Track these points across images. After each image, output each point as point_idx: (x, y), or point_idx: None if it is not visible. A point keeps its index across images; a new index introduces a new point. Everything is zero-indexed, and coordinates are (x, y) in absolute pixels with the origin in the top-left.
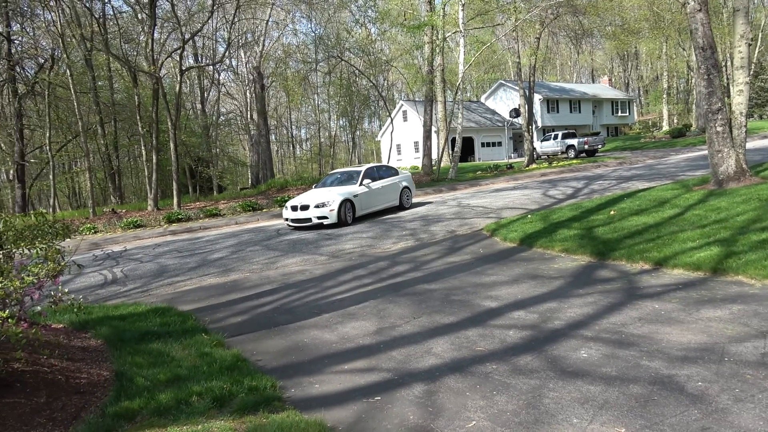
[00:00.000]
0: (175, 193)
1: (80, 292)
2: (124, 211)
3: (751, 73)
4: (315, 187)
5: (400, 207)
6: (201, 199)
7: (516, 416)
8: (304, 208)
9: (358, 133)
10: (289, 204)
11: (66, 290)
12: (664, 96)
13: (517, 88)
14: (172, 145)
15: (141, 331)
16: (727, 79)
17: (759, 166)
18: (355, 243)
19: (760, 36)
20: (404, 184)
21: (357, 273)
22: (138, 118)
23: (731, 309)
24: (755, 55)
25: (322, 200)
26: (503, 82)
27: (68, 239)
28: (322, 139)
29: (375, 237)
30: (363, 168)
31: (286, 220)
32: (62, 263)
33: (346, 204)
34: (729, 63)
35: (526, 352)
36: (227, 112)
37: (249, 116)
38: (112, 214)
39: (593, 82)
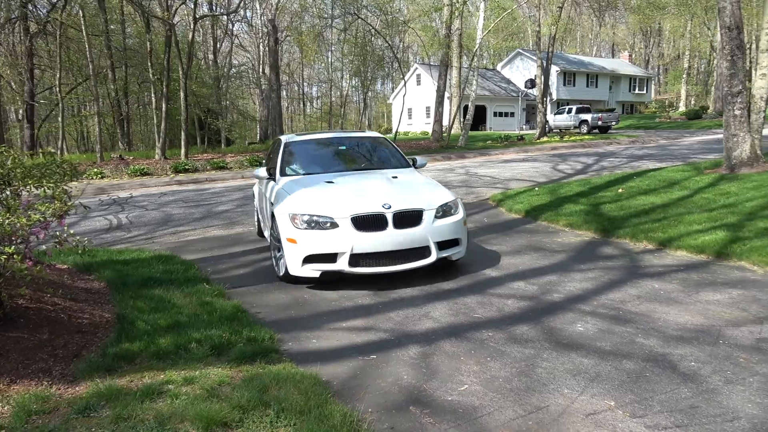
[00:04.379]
0: (183, 143)
1: (85, 235)
2: (131, 158)
3: None
4: (275, 173)
5: None
6: (209, 151)
7: (508, 383)
8: (403, 219)
9: (370, 94)
10: (308, 212)
11: (71, 231)
12: (684, 76)
13: (534, 58)
14: (182, 95)
15: (144, 277)
16: (751, 62)
17: None
18: None
19: None
20: None
21: None
22: (149, 64)
23: (731, 293)
24: None
25: (441, 200)
26: (521, 51)
27: (75, 182)
28: (333, 98)
29: None
30: (372, 134)
31: (306, 261)
32: (69, 203)
33: None
34: (754, 46)
35: (523, 321)
36: (239, 64)
37: (261, 70)
38: (119, 160)
39: (613, 56)
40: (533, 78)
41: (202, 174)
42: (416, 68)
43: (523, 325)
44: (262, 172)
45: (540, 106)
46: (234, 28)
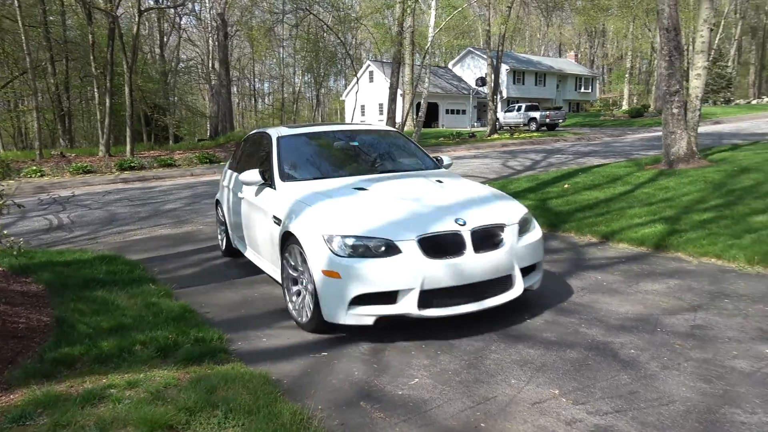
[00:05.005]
0: (128, 139)
1: (23, 236)
2: (73, 155)
3: (710, 58)
4: (272, 178)
5: None
6: (156, 148)
7: (457, 375)
8: (483, 239)
9: (322, 90)
10: (353, 231)
11: (5, 232)
12: (627, 75)
13: (485, 56)
14: (127, 90)
15: (86, 278)
16: (688, 63)
17: (708, 149)
18: None
19: (722, 23)
20: None
21: None
22: (92, 58)
23: (668, 283)
24: (716, 42)
25: (518, 211)
26: (472, 49)
27: (10, 180)
28: (285, 95)
29: None
30: (382, 127)
31: (355, 303)
32: (1, 202)
33: None
34: (691, 47)
35: (473, 315)
36: (187, 59)
37: (210, 65)
38: (60, 157)
39: (560, 56)
40: (484, 76)
41: (148, 172)
42: (369, 65)
43: (473, 318)
44: (252, 175)
45: (491, 103)
46: (182, 22)
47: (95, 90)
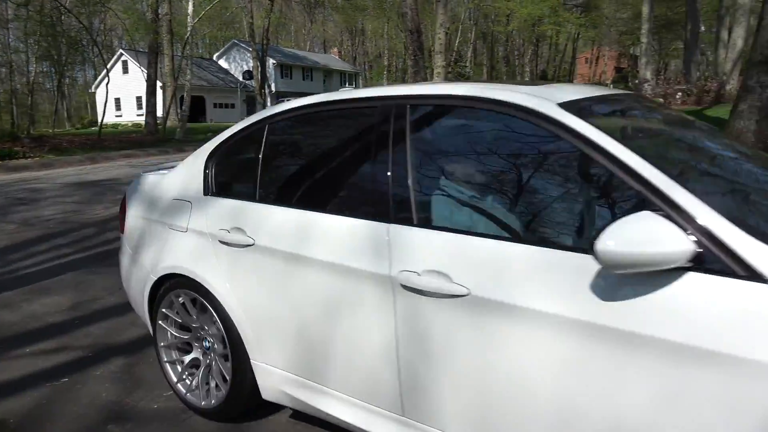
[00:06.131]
0: None
1: None
2: None
3: (453, 58)
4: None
5: None
6: None
7: None
8: None
9: (66, 81)
10: None
11: None
12: (385, 72)
13: (251, 49)
14: None
15: None
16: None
17: None
18: (57, 208)
19: (460, 28)
20: None
21: (56, 242)
22: None
23: None
24: (456, 44)
25: None
26: (237, 41)
27: None
28: (18, 85)
29: (83, 201)
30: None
31: None
32: None
33: None
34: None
35: None
36: None
37: None
38: None
39: (325, 52)
40: (251, 69)
41: None
42: (122, 54)
43: None
44: (674, 242)
45: (259, 97)
46: None
47: None
